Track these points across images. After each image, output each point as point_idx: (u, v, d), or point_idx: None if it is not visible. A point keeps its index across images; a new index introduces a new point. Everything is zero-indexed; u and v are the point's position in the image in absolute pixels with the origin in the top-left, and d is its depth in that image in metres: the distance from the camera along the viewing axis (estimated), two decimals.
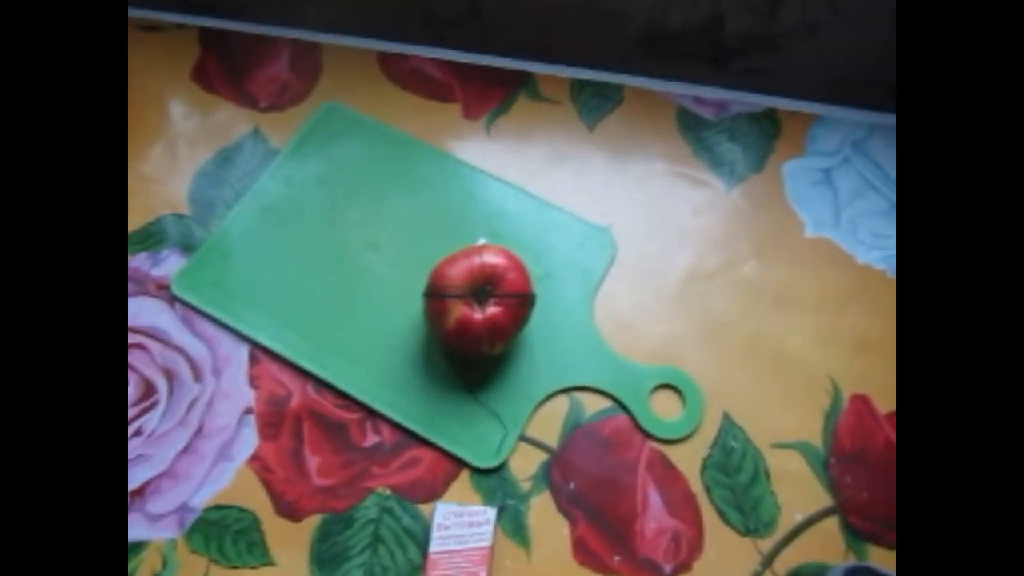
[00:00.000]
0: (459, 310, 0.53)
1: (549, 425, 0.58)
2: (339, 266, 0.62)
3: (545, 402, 0.59)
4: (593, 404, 0.59)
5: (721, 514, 0.56)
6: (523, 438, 0.58)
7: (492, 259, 0.54)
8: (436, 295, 0.54)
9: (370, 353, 0.59)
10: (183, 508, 0.54)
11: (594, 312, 0.62)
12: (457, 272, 0.53)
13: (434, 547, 0.51)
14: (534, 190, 0.67)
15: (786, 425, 0.59)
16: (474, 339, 0.53)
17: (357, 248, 0.63)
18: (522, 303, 0.54)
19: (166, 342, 0.59)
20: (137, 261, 0.62)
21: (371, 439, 0.57)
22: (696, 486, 0.57)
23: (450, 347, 0.56)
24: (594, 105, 0.72)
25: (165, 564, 0.52)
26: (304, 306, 0.61)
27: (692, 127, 0.71)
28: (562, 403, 0.59)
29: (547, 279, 0.63)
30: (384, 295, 0.61)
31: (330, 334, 0.59)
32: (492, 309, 0.53)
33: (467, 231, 0.64)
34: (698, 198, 0.68)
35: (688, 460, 0.57)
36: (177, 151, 0.68)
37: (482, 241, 0.60)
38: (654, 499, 0.56)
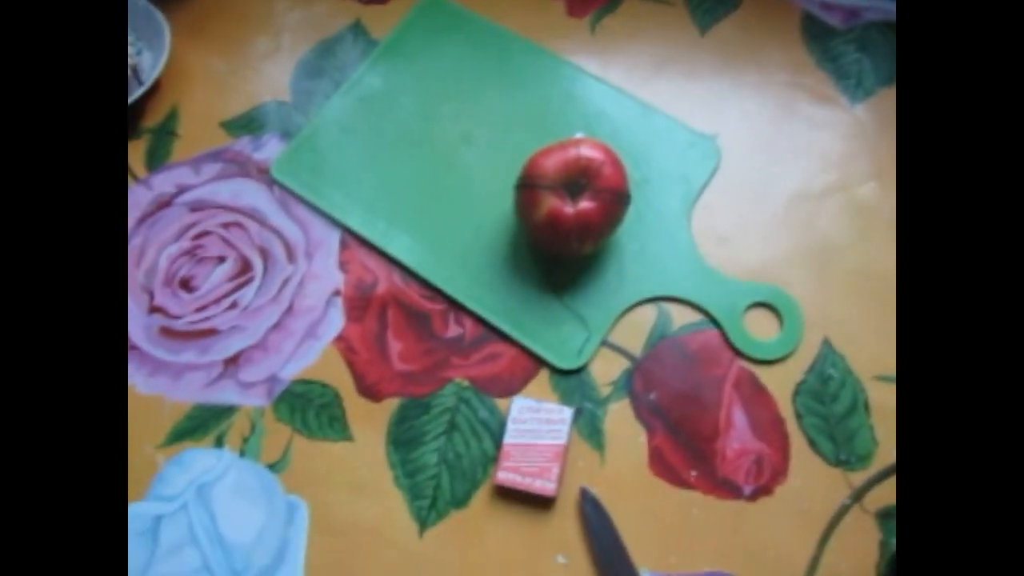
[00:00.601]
0: (550, 202, 0.51)
1: (634, 333, 0.56)
2: (432, 158, 0.62)
3: (632, 309, 0.57)
4: (682, 316, 0.56)
5: (811, 442, 0.53)
6: (606, 343, 0.56)
7: (589, 152, 0.51)
8: (528, 185, 0.52)
9: (458, 246, 0.58)
10: (272, 379, 0.56)
11: (691, 223, 0.59)
12: (552, 163, 0.51)
13: (508, 438, 0.51)
14: (637, 94, 0.64)
15: (892, 358, 0.54)
16: (563, 234, 0.52)
17: (451, 141, 0.62)
18: (616, 200, 0.52)
19: (263, 222, 0.61)
20: (240, 144, 0.64)
21: (453, 330, 0.57)
22: (786, 411, 0.54)
23: (539, 242, 0.54)
24: (708, 8, 0.67)
25: (253, 429, 0.55)
26: (395, 196, 0.60)
27: (817, 35, 0.65)
28: (649, 312, 0.57)
29: (644, 184, 0.60)
30: (476, 189, 0.60)
31: (420, 224, 0.59)
32: (585, 203, 0.51)
33: (564, 130, 0.62)
34: (817, 112, 0.63)
35: (779, 383, 0.54)
36: (281, 41, 0.69)
37: (580, 135, 0.58)
38: (739, 419, 0.53)
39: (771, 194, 0.60)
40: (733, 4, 0.67)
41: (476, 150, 0.62)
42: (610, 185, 0.51)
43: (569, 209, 0.51)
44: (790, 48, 0.65)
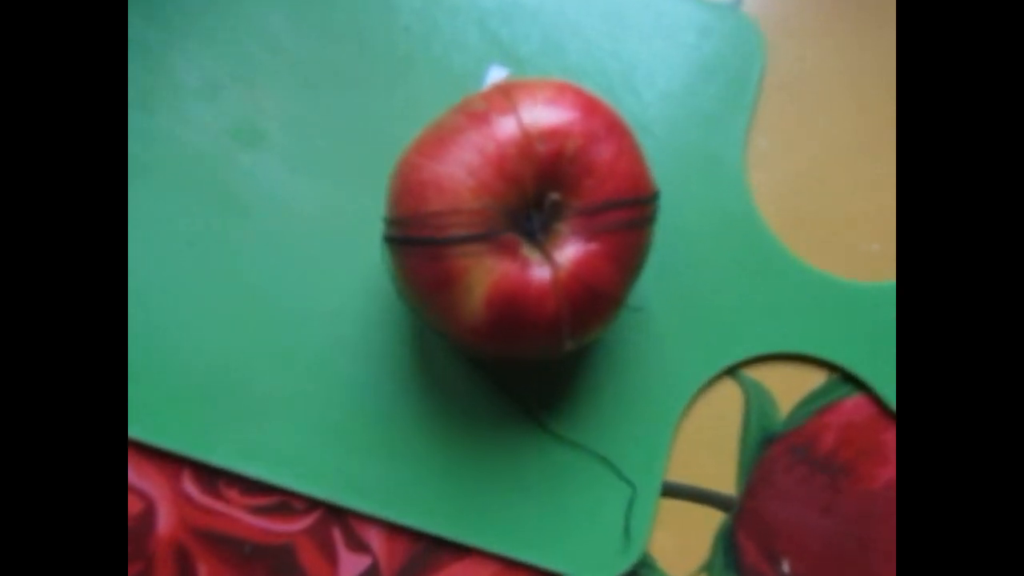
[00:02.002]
0: (489, 270, 0.20)
1: (712, 453, 0.28)
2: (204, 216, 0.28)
3: (693, 405, 0.28)
4: (790, 385, 0.28)
5: None
6: (669, 489, 0.27)
7: (545, 116, 0.20)
8: (423, 241, 0.20)
9: (288, 401, 0.27)
10: None
11: (752, 191, 0.30)
12: (465, 171, 0.20)
13: None
14: None
15: None
16: (538, 330, 0.21)
17: (221, 156, 0.29)
18: (638, 213, 0.21)
19: None
20: None
21: (349, 563, 0.26)
22: None
23: (479, 349, 0.23)
24: None
25: None
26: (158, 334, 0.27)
27: None
28: (727, 400, 0.28)
29: (642, 133, 0.29)
30: (313, 259, 0.28)
31: (225, 373, 0.27)
32: (572, 249, 0.21)
33: (443, 75, 0.29)
34: None
35: None
36: None
37: (496, 74, 0.26)
38: None
39: (871, 106, 0.31)
40: None
41: (269, 172, 0.29)
42: (619, 185, 0.21)
43: (539, 274, 0.20)
44: None
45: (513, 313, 0.20)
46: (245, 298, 0.27)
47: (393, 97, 0.29)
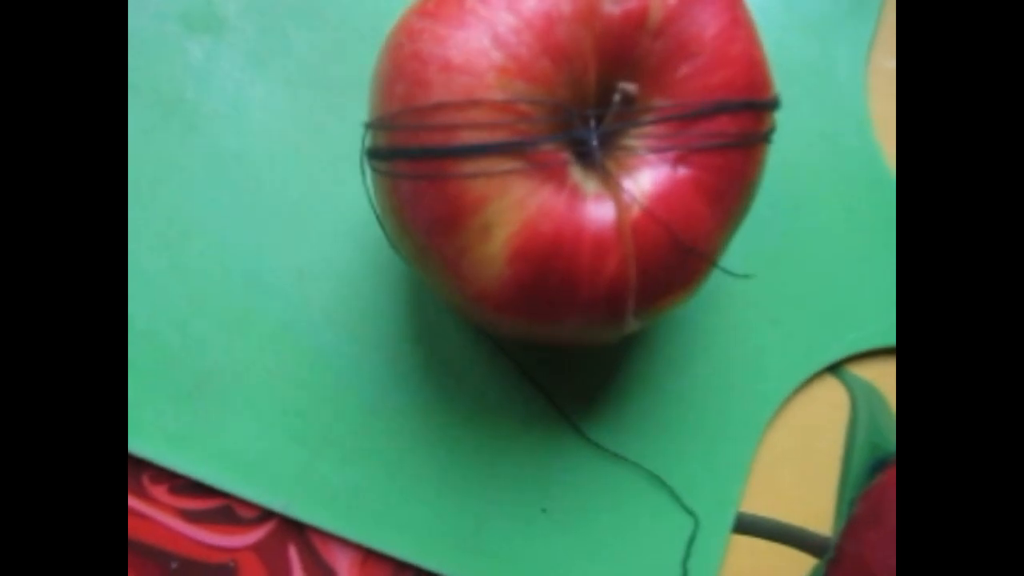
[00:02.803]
0: (519, 203, 0.13)
1: (802, 476, 0.21)
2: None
3: (781, 413, 0.21)
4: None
5: None
6: (743, 524, 0.20)
7: None
8: (419, 152, 0.13)
9: (239, 377, 0.20)
10: None
11: (872, 122, 0.22)
12: (488, 39, 0.12)
13: None
14: None
15: None
16: (594, 303, 0.14)
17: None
18: (754, 127, 0.14)
19: None
20: None
21: None
22: None
23: (494, 327, 0.16)
24: None
25: None
26: None
27: None
28: (827, 405, 0.21)
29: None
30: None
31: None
32: (651, 175, 0.13)
33: None
34: None
35: None
36: None
37: None
38: None
39: None
40: None
41: (226, 70, 0.21)
42: (731, 77, 0.13)
43: (596, 212, 0.13)
44: None
45: (554, 272, 0.13)
46: (189, 239, 0.20)
47: None
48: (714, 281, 0.20)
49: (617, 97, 0.13)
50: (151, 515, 0.20)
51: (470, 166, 0.12)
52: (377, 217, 0.16)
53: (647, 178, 0.13)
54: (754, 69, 0.13)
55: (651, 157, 0.13)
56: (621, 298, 0.13)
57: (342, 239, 0.20)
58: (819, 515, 0.20)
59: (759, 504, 0.20)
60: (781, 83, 0.22)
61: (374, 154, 0.14)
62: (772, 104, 0.14)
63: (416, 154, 0.13)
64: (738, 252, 0.20)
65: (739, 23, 0.13)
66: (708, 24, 0.13)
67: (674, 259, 0.13)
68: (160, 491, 0.20)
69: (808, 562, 0.20)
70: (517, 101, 0.12)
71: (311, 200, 0.21)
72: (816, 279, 0.21)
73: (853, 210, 0.21)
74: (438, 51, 0.12)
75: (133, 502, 0.20)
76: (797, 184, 0.21)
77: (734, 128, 0.13)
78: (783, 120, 0.21)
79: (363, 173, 0.15)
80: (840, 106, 0.22)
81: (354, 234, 0.20)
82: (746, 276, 0.18)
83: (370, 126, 0.14)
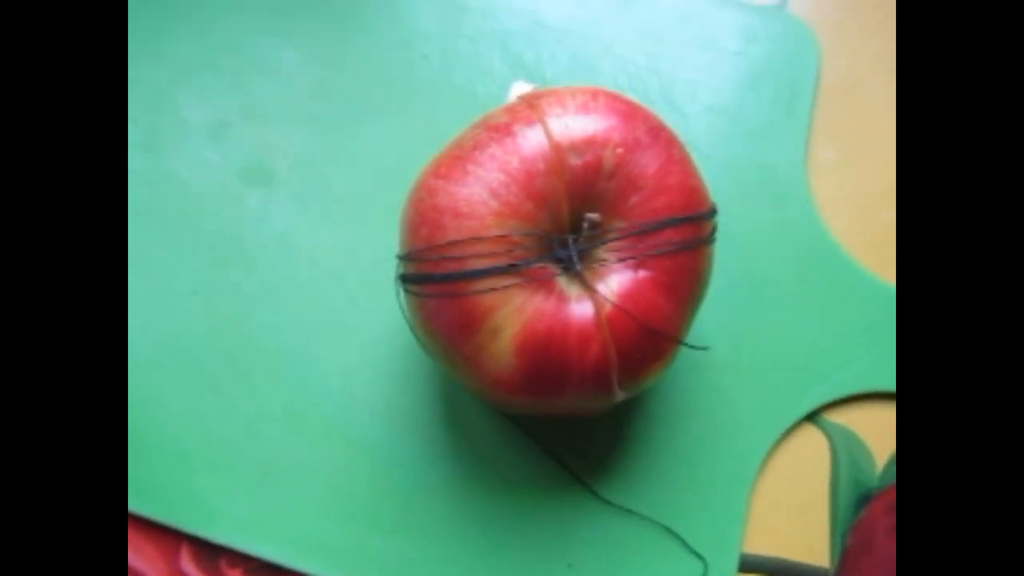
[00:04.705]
0: (519, 309, 0.17)
1: (795, 515, 0.23)
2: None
3: (769, 461, 0.24)
4: (889, 428, 0.24)
5: None
6: (748, 564, 0.23)
7: (577, 124, 0.17)
8: (440, 278, 0.17)
9: (298, 468, 0.24)
10: None
11: (817, 208, 0.26)
12: (486, 192, 0.17)
13: None
14: None
15: None
16: (585, 381, 0.17)
17: (225, 201, 0.27)
18: (695, 234, 0.18)
19: None
20: None
21: None
22: None
23: (509, 407, 0.20)
24: None
25: None
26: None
27: None
28: (809, 450, 0.24)
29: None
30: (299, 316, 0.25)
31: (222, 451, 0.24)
32: (618, 279, 0.17)
33: (466, 101, 0.27)
34: None
35: None
36: None
37: (520, 89, 0.24)
38: None
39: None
40: None
41: (278, 213, 0.26)
42: (671, 200, 0.17)
43: (579, 310, 0.17)
44: None
45: (550, 359, 0.17)
46: (252, 353, 0.25)
47: (412, 128, 0.27)
48: (693, 353, 0.24)
49: (586, 224, 0.17)
50: None
51: (479, 285, 0.16)
52: (410, 326, 0.20)
53: (615, 281, 0.17)
54: (689, 192, 0.17)
55: (617, 265, 0.17)
56: (606, 374, 0.17)
57: (379, 345, 0.25)
58: (815, 550, 0.23)
59: (760, 545, 0.23)
60: (730, 181, 0.26)
61: (406, 279, 0.18)
62: (708, 215, 0.18)
63: (438, 279, 0.17)
64: (710, 326, 0.24)
65: (674, 159, 0.17)
66: (649, 164, 0.17)
67: (644, 340, 0.17)
68: (236, 574, 0.23)
69: None
70: (511, 234, 0.16)
71: (352, 313, 0.25)
72: (781, 343, 0.24)
73: (806, 281, 0.25)
74: (450, 203, 0.17)
75: None
76: (754, 264, 0.25)
77: (678, 237, 0.17)
78: (736, 212, 0.25)
79: (398, 294, 0.19)
80: (785, 195, 0.26)
81: (389, 340, 0.25)
82: (705, 348, 0.21)
83: (402, 258, 0.18)
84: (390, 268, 0.25)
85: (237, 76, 0.28)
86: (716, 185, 0.25)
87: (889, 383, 0.24)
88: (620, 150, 0.17)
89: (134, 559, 0.24)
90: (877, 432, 0.24)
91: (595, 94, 0.18)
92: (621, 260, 0.17)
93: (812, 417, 0.24)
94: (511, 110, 0.18)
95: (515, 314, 0.16)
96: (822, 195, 0.26)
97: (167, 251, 0.26)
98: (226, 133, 0.27)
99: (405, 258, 0.18)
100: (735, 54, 0.27)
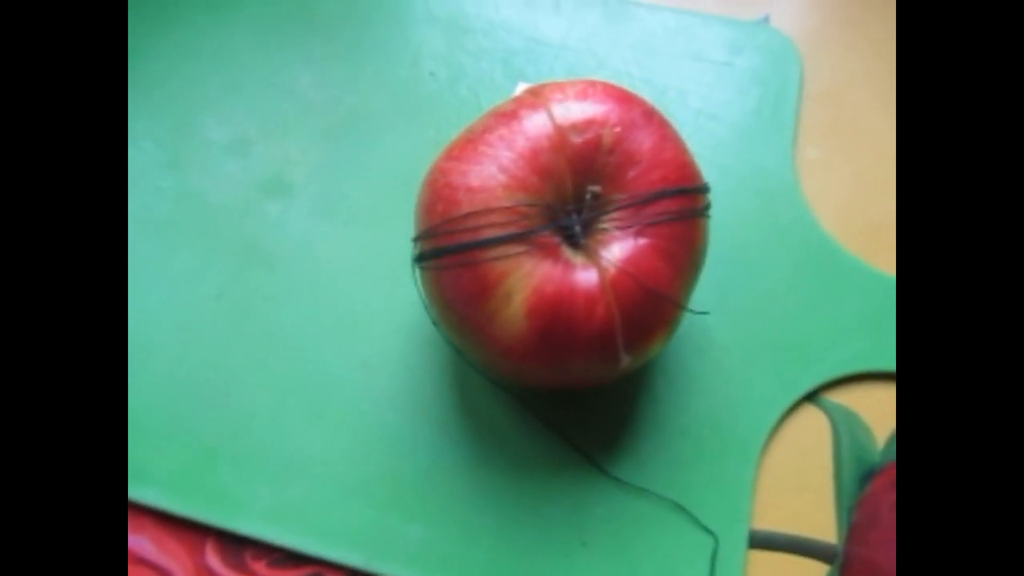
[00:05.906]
0: (529, 274, 0.18)
1: (802, 492, 0.24)
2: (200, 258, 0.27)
3: (773, 439, 0.25)
4: (888, 406, 0.25)
5: None
6: (758, 540, 0.23)
7: (577, 108, 0.19)
8: (454, 249, 0.19)
9: (320, 459, 0.25)
10: None
11: (805, 197, 0.28)
12: (496, 168, 0.18)
13: None
14: None
15: None
16: (592, 344, 0.19)
17: (242, 201, 0.28)
18: (690, 205, 0.19)
19: None
20: None
21: None
22: None
23: (521, 378, 0.21)
24: None
25: None
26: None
27: None
28: (811, 429, 0.25)
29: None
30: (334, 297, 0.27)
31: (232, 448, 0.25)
32: (620, 246, 0.19)
33: (471, 114, 0.29)
34: None
35: None
36: None
37: (524, 85, 0.26)
38: None
39: None
40: None
41: (297, 220, 0.28)
42: (666, 173, 0.19)
43: (584, 276, 0.18)
44: None
45: (559, 322, 0.18)
46: (274, 351, 0.26)
47: (421, 138, 0.29)
48: (698, 334, 0.25)
49: (588, 196, 0.18)
50: None
51: (492, 253, 0.18)
52: (424, 304, 0.21)
53: (617, 248, 0.18)
54: (682, 166, 0.19)
55: (618, 233, 0.18)
56: (611, 336, 0.18)
57: (394, 336, 0.26)
58: (823, 526, 0.23)
59: (769, 521, 0.23)
60: (721, 176, 0.27)
61: (421, 258, 0.20)
62: (700, 189, 0.19)
63: (454, 250, 0.18)
64: (713, 315, 0.25)
65: (667, 138, 0.19)
66: (644, 141, 0.19)
67: (646, 303, 0.18)
68: (260, 566, 0.24)
69: (821, 569, 0.23)
70: (519, 206, 0.18)
71: (368, 308, 0.26)
72: (778, 326, 0.25)
73: (799, 269, 0.26)
74: (463, 180, 0.18)
75: None
76: (750, 254, 0.26)
77: (675, 207, 0.18)
78: (728, 205, 0.27)
79: (413, 274, 0.21)
80: (776, 190, 0.27)
81: (405, 331, 0.26)
82: (705, 313, 0.22)
83: (417, 238, 0.20)
84: (402, 268, 0.26)
85: (256, 99, 0.30)
86: (711, 183, 0.27)
87: (883, 363, 0.25)
88: (617, 129, 0.18)
89: (159, 554, 0.24)
90: (876, 410, 0.25)
91: (593, 83, 0.19)
92: (622, 228, 0.18)
93: (812, 397, 0.25)
94: (517, 100, 0.19)
95: (525, 279, 0.18)
96: (810, 189, 0.28)
97: (193, 259, 0.27)
98: (247, 150, 0.29)
99: (422, 236, 0.20)
100: (722, 64, 0.29)
